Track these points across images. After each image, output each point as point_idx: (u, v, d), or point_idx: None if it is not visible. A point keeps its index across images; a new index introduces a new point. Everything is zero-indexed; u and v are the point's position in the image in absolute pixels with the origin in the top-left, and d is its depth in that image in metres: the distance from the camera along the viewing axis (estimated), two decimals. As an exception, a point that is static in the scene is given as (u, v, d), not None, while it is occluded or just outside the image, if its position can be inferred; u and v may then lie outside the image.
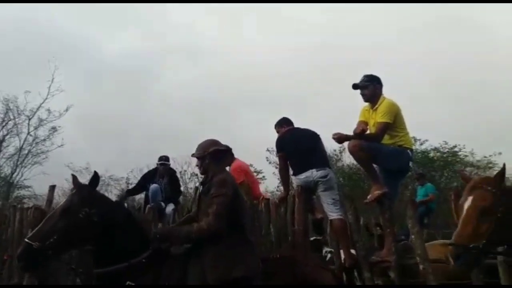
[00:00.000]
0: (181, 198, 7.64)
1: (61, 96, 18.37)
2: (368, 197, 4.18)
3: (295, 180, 4.61)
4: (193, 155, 3.17)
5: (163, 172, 6.70)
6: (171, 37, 35.31)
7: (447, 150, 17.44)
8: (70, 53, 30.08)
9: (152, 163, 7.12)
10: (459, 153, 17.19)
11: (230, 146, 5.65)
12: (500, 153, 15.72)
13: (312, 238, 5.11)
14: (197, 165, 3.19)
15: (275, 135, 4.90)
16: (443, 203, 9.45)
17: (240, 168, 5.69)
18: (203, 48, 34.93)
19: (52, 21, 28.57)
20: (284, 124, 4.88)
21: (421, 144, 17.11)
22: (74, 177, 2.90)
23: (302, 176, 4.42)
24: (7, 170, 18.32)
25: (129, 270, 2.67)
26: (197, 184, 10.03)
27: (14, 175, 18.20)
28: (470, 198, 2.50)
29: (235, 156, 5.76)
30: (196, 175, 15.90)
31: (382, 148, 4.17)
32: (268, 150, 17.64)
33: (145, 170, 8.04)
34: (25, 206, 6.20)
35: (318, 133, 4.73)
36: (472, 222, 2.42)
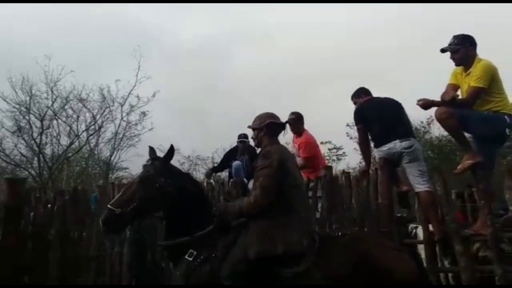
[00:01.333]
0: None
1: (148, 82, 19.60)
2: (459, 167, 3.89)
3: (377, 153, 4.40)
4: (249, 127, 3.16)
5: (243, 150, 6.88)
6: (246, 19, 35.75)
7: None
8: (151, 42, 31.93)
9: (235, 143, 7.34)
10: None
11: (302, 113, 5.70)
12: None
13: (397, 215, 4.92)
14: (252, 137, 3.17)
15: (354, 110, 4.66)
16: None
17: (312, 142, 5.74)
18: (277, 28, 34.90)
19: (132, 14, 30.44)
20: (362, 94, 4.64)
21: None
22: (152, 149, 3.05)
23: (385, 147, 4.21)
24: (106, 153, 20.25)
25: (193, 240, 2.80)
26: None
27: (112, 158, 20.04)
28: None
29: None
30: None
31: (474, 114, 3.82)
32: (348, 125, 17.24)
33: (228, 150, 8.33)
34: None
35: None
36: None
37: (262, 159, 2.84)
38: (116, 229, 2.94)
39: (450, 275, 4.32)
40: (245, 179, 6.51)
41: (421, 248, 4.15)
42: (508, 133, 4.02)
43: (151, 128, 19.78)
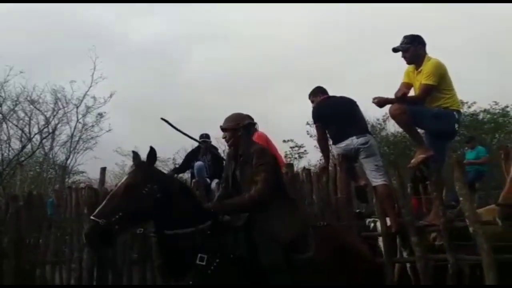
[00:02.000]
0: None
1: (103, 83, 18.97)
2: (412, 161, 4.09)
3: (335, 149, 4.54)
4: (222, 127, 3.11)
5: (205, 150, 6.85)
6: (198, 19, 35.42)
7: (498, 111, 16.51)
8: (105, 41, 31.05)
9: (195, 143, 7.26)
10: (512, 113, 16.31)
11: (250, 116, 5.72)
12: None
13: (356, 211, 5.08)
14: (224, 137, 3.13)
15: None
16: (495, 167, 9.02)
17: (261, 137, 5.56)
18: (232, 28, 34.88)
19: (85, 12, 29.46)
20: (319, 93, 4.75)
21: (469, 107, 16.31)
22: (135, 154, 2.89)
23: (342, 144, 4.34)
24: (61, 156, 19.48)
25: (196, 241, 2.66)
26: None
27: (68, 161, 19.31)
28: None
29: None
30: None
31: (425, 111, 4.02)
32: (308, 123, 17.50)
33: (190, 150, 8.23)
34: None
35: (355, 100, 4.62)
36: None
37: (258, 157, 2.90)
38: (101, 243, 2.60)
39: (408, 265, 4.51)
40: (207, 179, 6.50)
41: (380, 241, 4.33)
42: (457, 128, 4.25)
43: (109, 130, 19.23)
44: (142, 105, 30.37)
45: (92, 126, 19.24)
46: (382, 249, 4.30)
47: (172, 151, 19.81)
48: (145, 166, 2.78)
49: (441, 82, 3.98)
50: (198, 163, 6.66)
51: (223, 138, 3.16)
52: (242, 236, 2.75)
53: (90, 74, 18.43)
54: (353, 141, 4.26)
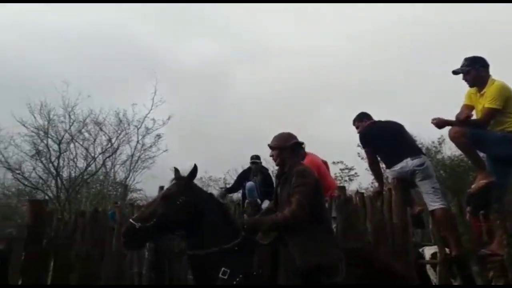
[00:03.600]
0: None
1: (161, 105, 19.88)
2: (472, 186, 3.93)
3: (390, 173, 4.45)
4: (271, 146, 3.19)
5: (256, 170, 6.99)
6: (244, 41, 36.20)
7: None
8: (160, 65, 32.58)
9: (245, 164, 7.46)
10: None
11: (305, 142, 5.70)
12: None
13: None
14: (271, 155, 3.20)
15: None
16: None
17: (313, 162, 5.57)
18: (276, 49, 35.25)
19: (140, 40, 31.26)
20: (364, 118, 4.77)
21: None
22: (176, 170, 3.12)
23: (397, 167, 4.26)
24: (121, 175, 20.50)
25: (222, 257, 2.80)
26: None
27: (127, 180, 20.25)
28: None
29: (307, 151, 5.74)
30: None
31: (488, 134, 3.89)
32: (359, 145, 17.20)
33: (240, 171, 8.42)
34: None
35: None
36: None
37: (299, 177, 2.92)
38: (135, 243, 2.87)
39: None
40: (258, 200, 6.59)
41: (428, 268, 4.18)
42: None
43: (166, 150, 20.08)
44: (194, 125, 31.40)
45: (150, 146, 20.21)
46: (431, 277, 4.15)
47: (222, 171, 20.26)
48: (183, 180, 3.01)
49: (505, 105, 3.84)
50: (249, 184, 6.81)
51: (271, 156, 3.23)
52: (266, 256, 2.83)
53: (150, 98, 19.49)
54: (408, 163, 4.18)
